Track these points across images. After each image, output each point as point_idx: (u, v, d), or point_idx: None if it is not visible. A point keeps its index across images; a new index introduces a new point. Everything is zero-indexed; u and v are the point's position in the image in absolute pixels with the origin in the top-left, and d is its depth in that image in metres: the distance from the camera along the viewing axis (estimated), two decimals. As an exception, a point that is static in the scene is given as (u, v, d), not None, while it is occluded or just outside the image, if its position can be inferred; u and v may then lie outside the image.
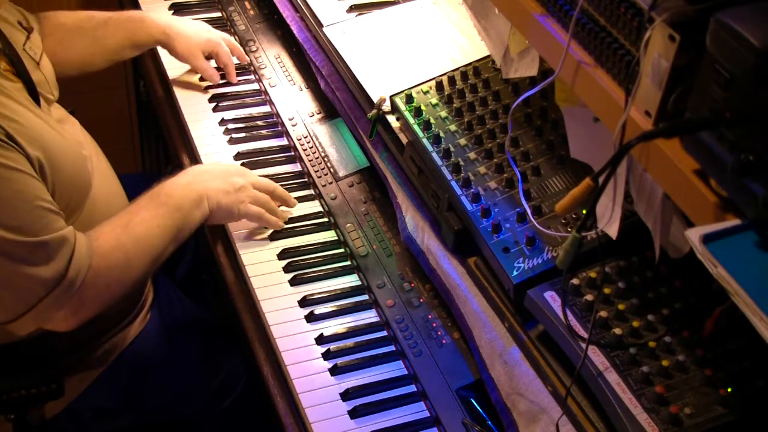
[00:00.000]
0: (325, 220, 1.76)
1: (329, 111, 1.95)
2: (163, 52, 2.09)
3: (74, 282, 1.43)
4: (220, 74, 2.07)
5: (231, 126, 1.96)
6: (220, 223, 1.72)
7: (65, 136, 1.56)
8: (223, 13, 2.29)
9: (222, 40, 2.05)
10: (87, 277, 1.44)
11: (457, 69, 1.64)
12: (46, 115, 1.56)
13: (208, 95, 2.04)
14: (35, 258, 1.39)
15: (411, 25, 1.86)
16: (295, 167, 1.88)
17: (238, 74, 2.09)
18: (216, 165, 1.78)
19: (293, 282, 1.62)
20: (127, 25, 1.95)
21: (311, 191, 1.82)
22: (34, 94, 1.55)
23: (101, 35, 1.91)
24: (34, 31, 1.70)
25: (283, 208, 1.74)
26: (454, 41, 1.79)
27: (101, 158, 1.75)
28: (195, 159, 1.91)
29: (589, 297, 1.23)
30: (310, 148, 1.89)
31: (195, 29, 2.03)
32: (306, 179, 1.85)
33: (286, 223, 1.74)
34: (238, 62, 2.09)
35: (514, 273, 1.33)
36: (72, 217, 1.55)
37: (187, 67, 2.08)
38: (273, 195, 1.72)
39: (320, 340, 1.52)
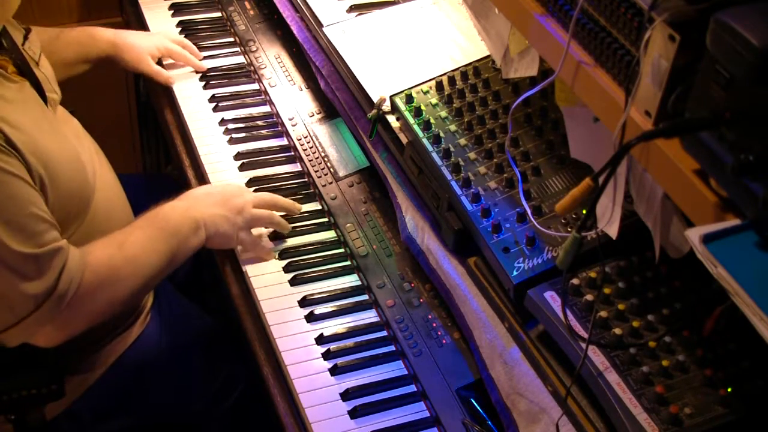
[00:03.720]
0: (325, 220, 1.76)
1: (329, 111, 1.95)
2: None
3: (64, 297, 1.42)
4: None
5: (231, 126, 1.96)
6: (218, 248, 1.68)
7: (67, 144, 1.55)
8: (223, 13, 2.29)
9: (168, 39, 2.08)
10: (77, 292, 1.44)
11: (457, 69, 1.64)
12: (52, 118, 1.55)
13: (208, 95, 2.04)
14: (27, 270, 1.38)
15: (411, 25, 1.86)
16: (295, 167, 1.88)
17: (238, 74, 2.10)
18: (215, 188, 1.72)
19: (293, 282, 1.62)
20: (78, 39, 1.98)
21: (311, 191, 1.82)
22: (41, 93, 1.54)
23: (53, 50, 1.91)
24: (33, 30, 1.70)
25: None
26: (454, 41, 1.79)
27: (103, 162, 1.74)
28: (195, 159, 1.91)
29: (589, 297, 1.23)
30: (310, 148, 1.89)
31: (141, 38, 2.06)
32: (306, 179, 1.85)
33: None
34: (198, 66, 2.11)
35: (514, 273, 1.33)
36: (74, 225, 1.54)
37: (188, 67, 2.10)
38: (275, 207, 1.71)
39: (320, 340, 1.52)
